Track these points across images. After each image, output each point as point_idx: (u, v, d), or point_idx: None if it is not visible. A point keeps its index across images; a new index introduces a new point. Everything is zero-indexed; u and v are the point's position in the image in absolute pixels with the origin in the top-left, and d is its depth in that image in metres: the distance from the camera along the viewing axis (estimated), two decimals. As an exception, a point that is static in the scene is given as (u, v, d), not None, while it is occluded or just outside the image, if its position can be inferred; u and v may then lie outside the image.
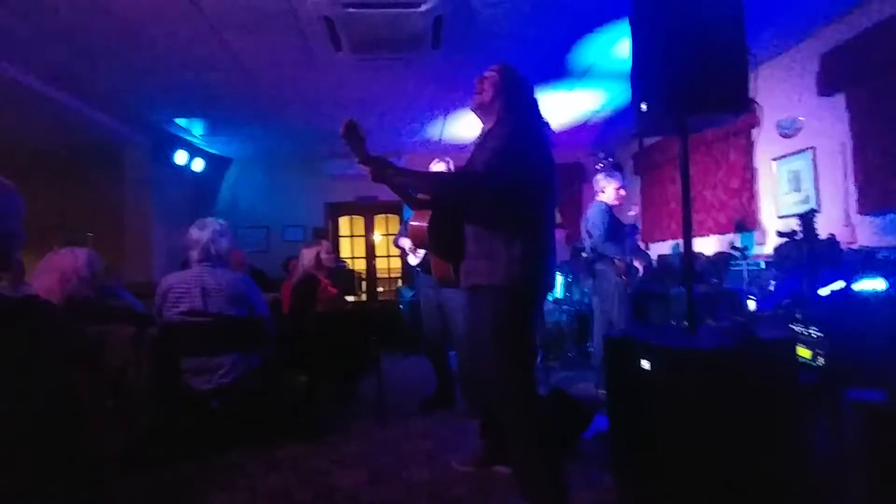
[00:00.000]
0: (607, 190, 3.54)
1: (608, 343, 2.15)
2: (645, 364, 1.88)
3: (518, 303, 1.78)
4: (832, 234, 3.35)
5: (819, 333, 2.10)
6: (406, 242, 3.22)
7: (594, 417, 2.55)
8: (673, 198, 6.09)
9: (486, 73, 2.00)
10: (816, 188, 4.00)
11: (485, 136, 1.96)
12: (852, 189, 3.66)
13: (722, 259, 4.79)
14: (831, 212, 3.77)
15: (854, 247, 3.53)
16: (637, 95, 2.09)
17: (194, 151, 5.85)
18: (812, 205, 3.95)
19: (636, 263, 3.32)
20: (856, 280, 2.82)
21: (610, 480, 2.11)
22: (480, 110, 1.99)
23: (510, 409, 1.75)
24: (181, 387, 2.49)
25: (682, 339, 1.94)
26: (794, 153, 4.20)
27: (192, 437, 2.46)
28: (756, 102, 1.93)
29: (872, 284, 2.76)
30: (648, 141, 6.60)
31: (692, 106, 1.93)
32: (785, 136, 4.33)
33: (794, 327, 2.24)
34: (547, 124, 2.03)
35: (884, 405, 1.66)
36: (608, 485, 2.08)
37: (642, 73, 2.09)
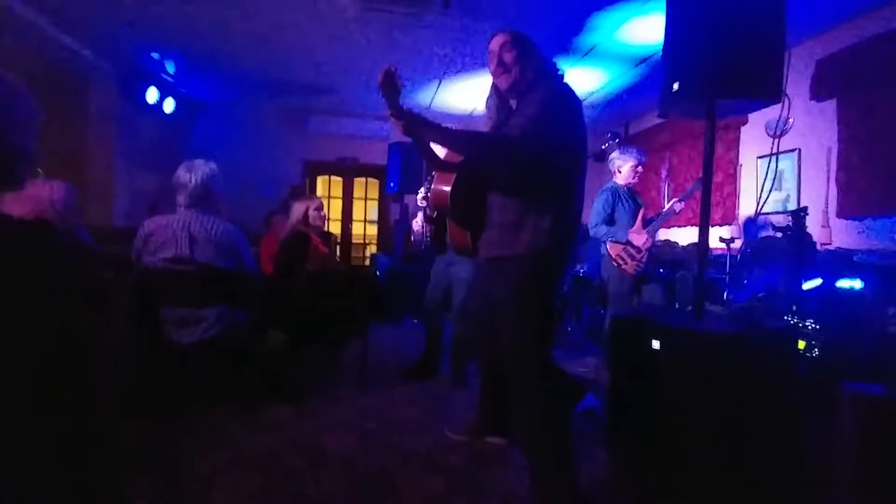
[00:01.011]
0: (623, 169, 3.43)
1: (616, 323, 2.15)
2: (655, 344, 1.90)
3: (541, 274, 1.74)
4: (809, 234, 3.48)
5: (815, 325, 2.16)
6: (417, 224, 3.14)
7: (585, 394, 2.58)
8: (654, 187, 6.20)
9: (497, 45, 1.84)
10: (798, 188, 4.13)
11: (518, 103, 1.87)
12: (833, 192, 3.80)
13: (696, 249, 4.93)
14: (810, 212, 3.90)
15: (830, 247, 3.68)
16: (668, 74, 2.05)
17: (166, 90, 5.44)
18: (793, 204, 4.08)
19: (636, 241, 3.23)
20: (835, 279, 2.94)
21: (602, 453, 2.14)
22: (513, 90, 1.85)
23: (529, 385, 1.71)
24: (162, 339, 2.34)
25: (692, 321, 1.95)
26: (779, 153, 4.31)
27: (172, 393, 2.32)
28: (786, 94, 1.92)
29: (850, 284, 2.89)
30: (634, 129, 6.68)
31: (723, 90, 1.90)
32: (773, 136, 4.44)
33: (789, 319, 2.30)
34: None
35: (883, 399, 1.72)
36: (602, 458, 2.11)
37: (675, 53, 2.04)
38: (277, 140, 6.75)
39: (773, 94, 1.88)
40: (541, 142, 1.66)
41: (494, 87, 1.95)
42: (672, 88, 2.00)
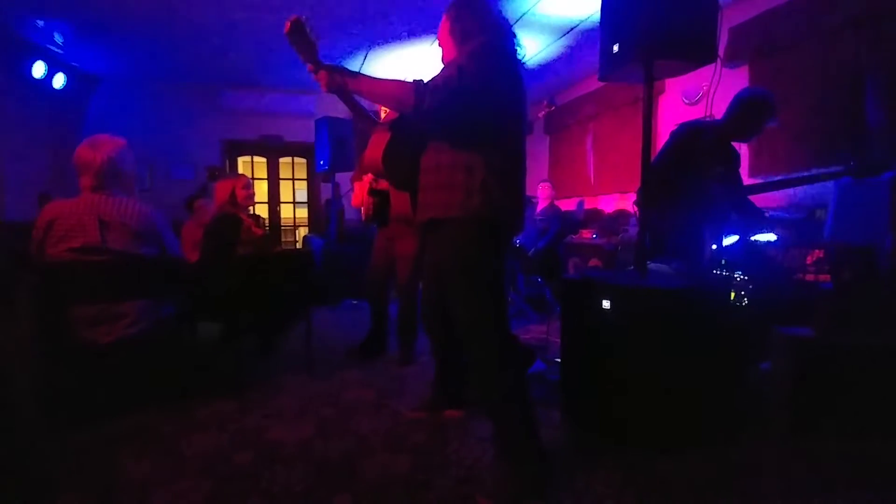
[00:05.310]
0: None
1: (566, 286, 2.17)
2: (605, 304, 1.94)
3: (484, 238, 1.69)
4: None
5: (743, 277, 2.30)
6: (356, 196, 2.98)
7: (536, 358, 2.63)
8: (579, 157, 6.38)
9: (440, 31, 1.89)
10: (714, 153, 4.38)
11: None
12: (745, 153, 4.06)
13: (621, 216, 5.20)
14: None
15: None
16: (607, 37, 2.06)
17: (55, 64, 4.80)
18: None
19: None
20: (750, 234, 3.17)
21: (556, 415, 2.17)
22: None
23: (486, 353, 1.67)
24: (72, 340, 2.07)
25: (638, 280, 2.00)
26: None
27: (92, 397, 2.07)
28: (720, 56, 1.99)
29: (765, 237, 3.13)
30: (560, 100, 6.79)
31: (661, 51, 1.93)
32: (689, 104, 4.68)
33: (718, 272, 2.44)
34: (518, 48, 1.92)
35: (810, 339, 1.86)
36: (555, 419, 2.15)
37: (613, 16, 2.05)
38: (189, 118, 6.21)
39: (708, 55, 1.94)
40: (464, 89, 1.60)
41: None
42: (612, 50, 2.02)
